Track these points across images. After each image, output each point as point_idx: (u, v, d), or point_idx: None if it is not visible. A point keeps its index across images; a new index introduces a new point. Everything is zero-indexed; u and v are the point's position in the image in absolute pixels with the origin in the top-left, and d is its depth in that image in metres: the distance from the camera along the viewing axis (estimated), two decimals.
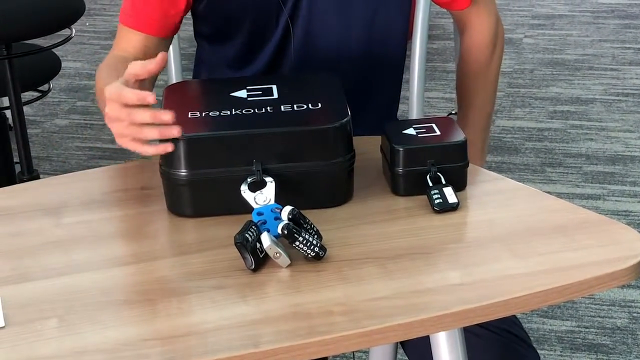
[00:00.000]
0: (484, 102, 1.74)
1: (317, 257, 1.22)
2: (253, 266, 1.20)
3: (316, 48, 1.59)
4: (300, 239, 1.21)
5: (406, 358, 1.60)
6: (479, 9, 1.68)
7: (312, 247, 1.21)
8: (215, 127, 1.33)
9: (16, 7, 2.73)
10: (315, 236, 1.23)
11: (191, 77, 1.75)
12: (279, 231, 1.21)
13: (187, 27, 1.67)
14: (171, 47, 1.72)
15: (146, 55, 1.54)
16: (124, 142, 1.28)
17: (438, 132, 1.40)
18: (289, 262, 1.22)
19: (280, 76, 1.61)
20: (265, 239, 1.20)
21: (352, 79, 1.59)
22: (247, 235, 1.20)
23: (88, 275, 1.23)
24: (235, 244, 1.21)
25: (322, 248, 1.22)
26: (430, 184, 1.36)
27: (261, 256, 1.21)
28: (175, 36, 1.70)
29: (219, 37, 1.63)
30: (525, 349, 1.46)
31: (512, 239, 1.27)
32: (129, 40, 1.58)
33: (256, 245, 1.21)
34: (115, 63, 1.50)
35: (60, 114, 3.81)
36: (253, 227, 1.22)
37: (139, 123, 1.25)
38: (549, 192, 1.40)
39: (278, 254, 1.21)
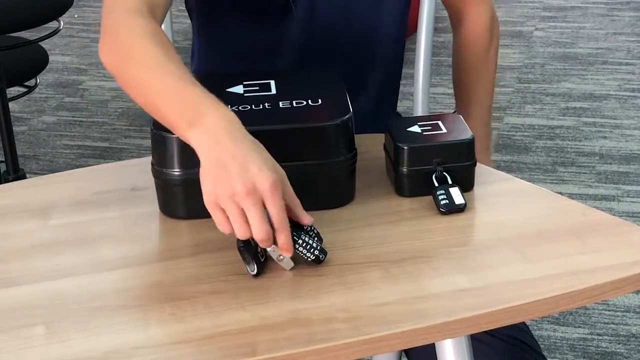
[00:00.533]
0: (484, 94, 1.75)
1: (318, 261, 1.22)
2: (255, 271, 1.20)
3: (318, 30, 1.59)
4: (300, 241, 1.21)
5: None
6: None
7: (312, 250, 1.21)
8: None
9: None
10: (316, 239, 1.23)
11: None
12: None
13: (182, 20, 1.68)
14: None
15: (167, 1, 1.43)
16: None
17: (444, 130, 1.40)
18: (292, 264, 1.22)
19: (278, 71, 1.62)
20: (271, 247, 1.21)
21: (348, 72, 1.60)
22: (250, 239, 1.20)
23: (76, 279, 1.23)
24: (239, 248, 1.21)
25: (323, 251, 1.22)
26: (436, 184, 1.36)
27: (262, 260, 1.21)
28: (169, 30, 1.70)
29: (217, 15, 1.63)
30: (535, 357, 1.47)
31: (521, 242, 1.27)
32: None
33: (257, 248, 1.21)
34: (158, 32, 1.34)
35: (47, 111, 3.81)
36: None
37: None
38: (560, 193, 1.41)
39: (281, 257, 1.21)
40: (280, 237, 1.18)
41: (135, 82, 1.30)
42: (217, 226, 1.19)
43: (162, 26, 1.71)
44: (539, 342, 1.54)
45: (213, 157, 1.18)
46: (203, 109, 1.22)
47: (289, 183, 1.20)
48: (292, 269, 1.22)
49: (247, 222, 1.17)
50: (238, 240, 1.21)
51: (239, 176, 1.16)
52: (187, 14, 1.68)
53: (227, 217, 1.18)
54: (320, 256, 1.22)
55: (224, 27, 1.62)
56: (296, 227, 1.22)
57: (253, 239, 1.20)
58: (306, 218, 1.21)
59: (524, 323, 1.50)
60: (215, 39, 1.65)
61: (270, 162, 1.19)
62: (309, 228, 1.24)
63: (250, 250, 1.20)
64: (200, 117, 1.21)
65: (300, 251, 1.21)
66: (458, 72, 1.75)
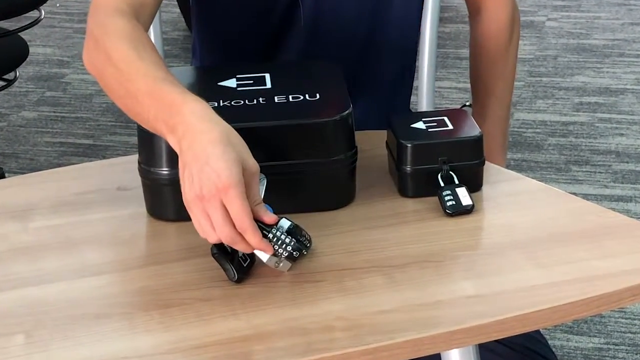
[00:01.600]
0: (503, 90, 1.75)
1: (291, 258, 1.21)
2: (236, 277, 1.21)
3: (326, 22, 1.59)
4: (270, 236, 1.20)
5: None
6: None
7: (284, 246, 1.21)
8: None
9: None
10: (289, 236, 1.22)
11: (178, 63, 1.75)
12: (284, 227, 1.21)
13: (170, 9, 1.67)
14: (152, 32, 1.72)
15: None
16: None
17: (450, 126, 1.40)
18: (290, 264, 1.22)
19: (274, 64, 1.62)
20: (261, 252, 1.20)
21: (360, 63, 1.60)
22: (225, 246, 1.20)
23: (59, 285, 1.23)
24: (213, 255, 1.21)
25: (297, 248, 1.21)
26: (442, 184, 1.36)
27: (245, 264, 1.21)
28: (157, 20, 1.70)
29: (218, 11, 1.63)
30: None
31: (532, 245, 1.28)
32: None
33: (237, 253, 1.21)
34: (135, 33, 1.36)
35: (27, 106, 3.82)
36: None
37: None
38: (574, 194, 1.41)
39: (278, 263, 1.21)
40: (246, 236, 1.18)
41: (112, 86, 1.33)
42: (197, 229, 1.21)
43: None
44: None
45: (181, 163, 1.21)
46: (178, 112, 1.23)
47: (256, 179, 1.21)
48: (287, 275, 1.22)
49: (212, 225, 1.18)
50: (212, 247, 1.21)
51: (197, 180, 1.18)
52: (175, 2, 1.68)
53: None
54: (295, 253, 1.21)
55: (226, 23, 1.62)
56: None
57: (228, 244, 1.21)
58: (267, 217, 1.21)
59: (539, 332, 1.50)
60: (218, 36, 1.65)
61: (229, 161, 1.18)
62: (292, 225, 1.23)
63: (226, 256, 1.20)
64: (176, 121, 1.22)
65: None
66: (476, 67, 1.76)
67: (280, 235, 1.21)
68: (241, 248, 1.19)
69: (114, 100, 1.34)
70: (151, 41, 1.36)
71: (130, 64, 1.30)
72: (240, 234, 1.18)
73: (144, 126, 1.29)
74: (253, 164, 1.20)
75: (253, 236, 1.18)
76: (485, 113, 1.72)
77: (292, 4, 1.58)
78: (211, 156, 1.18)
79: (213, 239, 1.19)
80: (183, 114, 1.22)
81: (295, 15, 1.59)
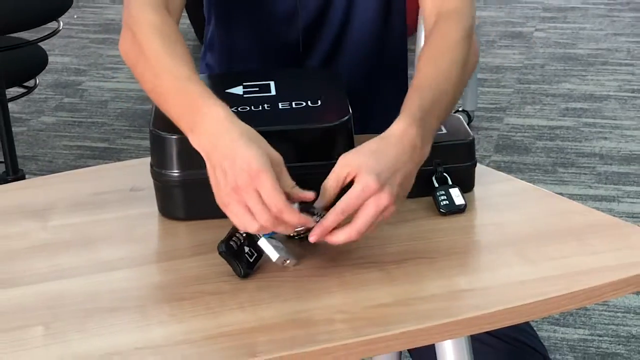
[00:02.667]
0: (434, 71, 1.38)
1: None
2: (242, 273, 1.20)
3: (324, 32, 1.59)
4: (314, 214, 1.20)
5: None
6: None
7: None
8: None
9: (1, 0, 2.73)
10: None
11: None
12: None
13: (181, 21, 1.67)
14: None
15: None
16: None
17: (444, 130, 1.40)
18: (297, 261, 1.22)
19: (279, 71, 1.61)
20: (270, 250, 1.20)
21: (359, 69, 1.60)
22: (232, 243, 1.20)
23: (75, 280, 1.23)
24: (220, 253, 1.21)
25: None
26: (436, 185, 1.36)
27: (251, 260, 1.21)
28: None
29: (232, 14, 1.62)
30: (538, 358, 1.46)
31: (522, 243, 1.27)
32: None
33: (244, 250, 1.21)
34: (166, 27, 1.37)
35: (46, 111, 3.81)
36: (238, 232, 1.22)
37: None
38: (560, 194, 1.40)
39: (285, 260, 1.21)
40: (284, 216, 1.18)
41: (144, 79, 1.34)
42: (236, 225, 1.21)
43: None
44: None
45: (210, 162, 1.22)
46: (198, 112, 1.24)
47: (283, 167, 1.21)
48: (290, 271, 1.22)
49: (251, 215, 1.18)
50: (218, 245, 1.21)
51: (230, 173, 1.18)
52: (186, 14, 1.68)
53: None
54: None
55: (237, 26, 1.62)
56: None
57: (236, 242, 1.21)
58: (305, 195, 1.21)
59: (528, 324, 1.50)
60: (229, 37, 1.65)
61: (256, 151, 1.19)
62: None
63: (233, 253, 1.20)
64: (197, 121, 1.24)
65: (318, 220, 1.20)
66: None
67: (318, 211, 1.21)
68: (283, 229, 1.19)
69: (145, 90, 1.35)
70: (180, 35, 1.37)
71: (160, 60, 1.31)
72: (278, 217, 1.17)
73: (172, 120, 1.29)
74: (277, 155, 1.21)
75: (291, 215, 1.18)
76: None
77: (293, 20, 1.58)
78: (238, 150, 1.19)
79: (254, 228, 1.18)
80: (203, 115, 1.23)
81: (295, 30, 1.59)
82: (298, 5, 1.57)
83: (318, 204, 1.21)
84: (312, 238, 1.20)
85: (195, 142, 1.24)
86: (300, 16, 1.58)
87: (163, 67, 1.30)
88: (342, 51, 1.61)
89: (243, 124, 1.23)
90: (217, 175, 1.20)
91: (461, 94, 1.39)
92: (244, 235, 1.22)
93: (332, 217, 1.20)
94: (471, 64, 1.41)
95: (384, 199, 1.20)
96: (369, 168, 1.20)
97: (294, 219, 1.18)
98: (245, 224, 1.19)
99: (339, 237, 1.20)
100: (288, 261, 1.22)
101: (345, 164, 1.22)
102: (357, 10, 1.60)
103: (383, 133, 1.26)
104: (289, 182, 1.21)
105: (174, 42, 1.34)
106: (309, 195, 1.21)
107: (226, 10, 1.63)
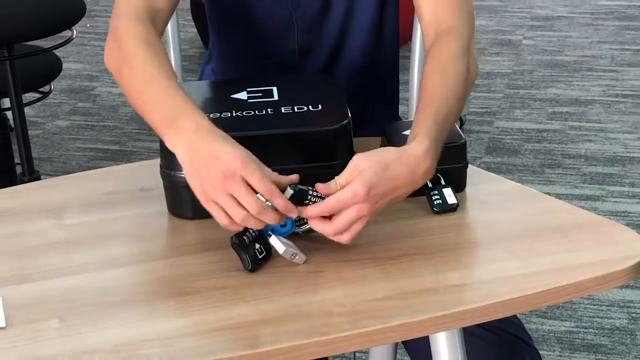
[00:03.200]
0: (441, 90, 1.36)
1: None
2: (250, 267, 1.20)
3: (318, 40, 1.59)
4: (309, 195, 1.21)
5: (406, 357, 1.60)
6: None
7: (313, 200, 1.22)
8: None
9: (17, 9, 2.72)
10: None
11: (195, 78, 1.74)
12: (287, 196, 1.20)
13: (188, 29, 1.67)
14: (172, 49, 1.72)
15: (172, 1, 1.46)
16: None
17: None
18: (305, 258, 1.22)
19: (281, 77, 1.61)
20: (279, 245, 1.21)
21: (354, 75, 1.59)
22: (245, 238, 1.20)
23: (88, 276, 1.23)
24: (232, 245, 1.21)
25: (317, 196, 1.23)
26: (430, 185, 1.35)
27: (260, 257, 1.21)
28: (176, 37, 1.70)
29: (229, 25, 1.62)
30: (526, 349, 1.46)
31: (511, 240, 1.27)
32: None
33: (254, 246, 1.21)
34: (151, 38, 1.38)
35: (61, 115, 3.81)
36: (251, 229, 1.22)
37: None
38: (548, 193, 1.40)
39: (294, 255, 1.21)
40: (274, 200, 1.18)
41: (127, 89, 1.35)
42: (218, 221, 1.21)
43: (170, 35, 1.72)
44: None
45: (188, 161, 1.22)
46: (182, 119, 1.25)
47: (262, 164, 1.21)
48: (291, 267, 1.22)
49: (239, 204, 1.18)
50: (232, 237, 1.21)
51: (214, 166, 1.19)
52: (192, 22, 1.68)
53: (223, 209, 1.20)
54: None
55: (234, 37, 1.62)
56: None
57: (248, 237, 1.21)
58: (289, 179, 1.22)
59: (515, 316, 1.50)
60: (227, 47, 1.65)
61: (235, 145, 1.21)
62: (313, 191, 1.22)
63: (244, 247, 1.20)
64: (179, 127, 1.24)
65: (314, 201, 1.21)
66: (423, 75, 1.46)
67: (317, 194, 1.21)
68: (269, 218, 1.19)
69: (127, 96, 1.35)
70: (164, 48, 1.38)
71: (146, 69, 1.32)
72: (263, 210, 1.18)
73: (149, 124, 1.30)
74: (253, 156, 1.21)
75: (280, 199, 1.19)
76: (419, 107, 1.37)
77: (289, 29, 1.58)
78: (222, 149, 1.20)
79: (240, 216, 1.18)
80: (187, 121, 1.24)
81: (291, 38, 1.59)
82: (294, 19, 1.57)
83: (320, 188, 1.22)
84: (297, 212, 1.21)
85: (168, 141, 1.25)
86: (296, 29, 1.58)
87: (149, 76, 1.32)
88: (337, 63, 1.61)
89: (222, 131, 1.24)
90: (201, 174, 1.20)
91: (462, 108, 1.39)
92: (256, 232, 1.22)
93: (317, 209, 1.21)
94: (471, 79, 1.41)
95: (365, 209, 1.21)
96: (368, 178, 1.21)
97: (282, 203, 1.19)
98: (234, 213, 1.18)
99: (316, 226, 1.22)
100: (297, 257, 1.22)
101: (355, 167, 1.22)
102: (353, 22, 1.59)
103: (405, 146, 1.25)
104: (272, 173, 1.21)
105: (159, 54, 1.35)
106: (294, 177, 1.22)
107: (224, 23, 1.63)
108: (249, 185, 1.19)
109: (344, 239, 1.22)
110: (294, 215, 1.21)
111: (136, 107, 1.34)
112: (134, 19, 1.40)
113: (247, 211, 1.18)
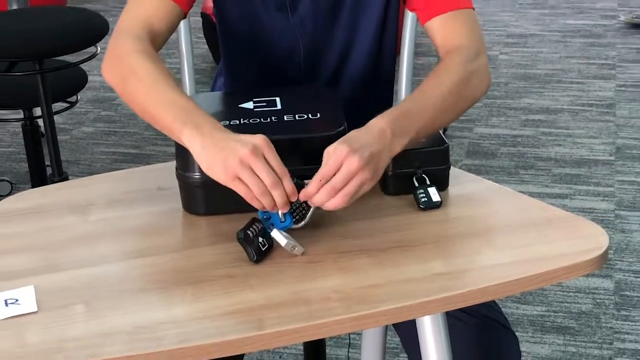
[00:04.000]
0: (434, 91, 1.36)
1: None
2: (255, 258, 1.20)
3: (322, 60, 1.58)
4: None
5: (396, 338, 1.59)
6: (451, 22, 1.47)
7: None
8: None
9: (47, 27, 2.73)
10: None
11: (206, 89, 1.74)
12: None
13: (200, 46, 1.66)
14: (185, 63, 1.72)
15: (170, 26, 1.45)
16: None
17: (423, 139, 1.39)
18: (303, 249, 1.22)
19: (283, 88, 1.61)
20: (280, 238, 1.21)
21: (355, 89, 1.59)
22: (249, 232, 1.21)
23: (110, 266, 1.23)
24: (238, 239, 1.21)
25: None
26: (416, 185, 1.35)
27: (263, 249, 1.21)
28: (190, 53, 1.69)
29: (237, 48, 1.62)
30: (503, 331, 1.46)
31: (489, 233, 1.27)
32: (158, 8, 1.43)
33: (258, 239, 1.21)
34: (154, 54, 1.38)
35: (86, 122, 3.81)
36: (256, 223, 1.22)
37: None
38: (522, 192, 1.40)
39: (293, 247, 1.21)
40: (284, 182, 1.20)
41: (134, 95, 1.34)
42: (245, 198, 1.21)
43: (184, 50, 1.72)
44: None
45: (208, 148, 1.22)
46: (194, 115, 1.26)
47: None
48: (292, 258, 1.22)
49: (259, 178, 1.19)
50: (238, 232, 1.21)
51: (239, 144, 1.20)
52: (203, 39, 1.68)
53: (245, 184, 1.20)
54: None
55: (242, 60, 1.62)
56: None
57: (252, 232, 1.21)
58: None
59: (494, 302, 1.50)
60: (235, 68, 1.64)
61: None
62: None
63: (249, 240, 1.20)
64: (192, 120, 1.25)
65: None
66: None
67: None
68: (278, 194, 1.20)
69: (130, 105, 1.36)
70: (163, 64, 1.38)
71: (154, 77, 1.32)
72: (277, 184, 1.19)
73: (154, 127, 1.31)
74: None
75: (289, 181, 1.20)
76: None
77: (293, 52, 1.57)
78: (238, 136, 1.21)
79: (259, 188, 1.19)
80: (203, 119, 1.25)
81: (296, 59, 1.58)
82: (300, 42, 1.57)
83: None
84: (300, 196, 1.22)
85: (196, 139, 1.23)
86: (301, 51, 1.57)
87: (158, 81, 1.31)
88: (340, 78, 1.60)
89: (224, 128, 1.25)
90: (225, 153, 1.19)
91: (456, 113, 1.38)
92: (260, 227, 1.22)
93: (314, 183, 1.22)
94: (470, 90, 1.39)
95: (354, 162, 1.21)
96: (341, 140, 1.24)
97: (290, 185, 1.20)
98: (254, 183, 1.19)
99: (321, 196, 1.21)
100: (296, 248, 1.22)
101: (326, 151, 1.24)
102: (355, 41, 1.58)
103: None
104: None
105: (162, 67, 1.35)
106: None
107: (234, 45, 1.62)
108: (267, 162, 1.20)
109: (339, 201, 1.21)
110: (294, 199, 1.22)
111: (143, 110, 1.32)
112: (135, 37, 1.39)
113: (264, 185, 1.20)
